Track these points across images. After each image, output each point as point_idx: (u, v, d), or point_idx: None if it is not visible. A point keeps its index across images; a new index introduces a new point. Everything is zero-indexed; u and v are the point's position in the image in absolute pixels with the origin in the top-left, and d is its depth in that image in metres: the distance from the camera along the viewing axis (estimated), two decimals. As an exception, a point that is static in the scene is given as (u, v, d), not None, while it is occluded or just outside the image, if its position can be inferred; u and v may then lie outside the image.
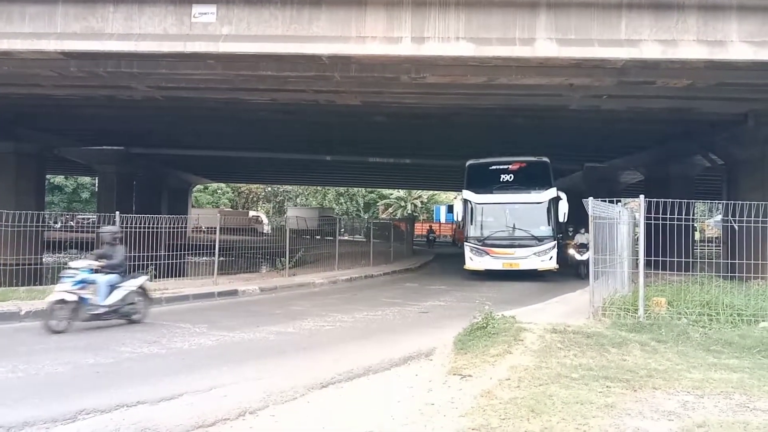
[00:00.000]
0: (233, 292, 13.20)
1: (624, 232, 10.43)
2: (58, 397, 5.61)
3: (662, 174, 22.98)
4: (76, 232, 33.11)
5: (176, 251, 13.54)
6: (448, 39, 12.01)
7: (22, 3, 12.33)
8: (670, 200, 8.66)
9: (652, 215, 8.59)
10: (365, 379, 6.55)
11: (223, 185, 62.79)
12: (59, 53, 12.66)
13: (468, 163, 19.15)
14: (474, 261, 18.02)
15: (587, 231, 17.69)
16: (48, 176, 38.00)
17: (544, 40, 11.90)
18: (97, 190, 41.23)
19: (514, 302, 11.80)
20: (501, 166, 18.56)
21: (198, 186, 53.85)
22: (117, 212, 12.29)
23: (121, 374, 6.57)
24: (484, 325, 7.83)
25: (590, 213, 9.03)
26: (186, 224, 14.32)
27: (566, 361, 6.55)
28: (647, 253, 8.88)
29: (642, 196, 8.94)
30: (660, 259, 9.09)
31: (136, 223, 12.53)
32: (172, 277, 13.64)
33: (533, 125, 20.16)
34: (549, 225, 17.82)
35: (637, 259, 9.08)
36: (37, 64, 13.65)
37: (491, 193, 18.17)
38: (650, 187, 21.02)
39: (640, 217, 8.96)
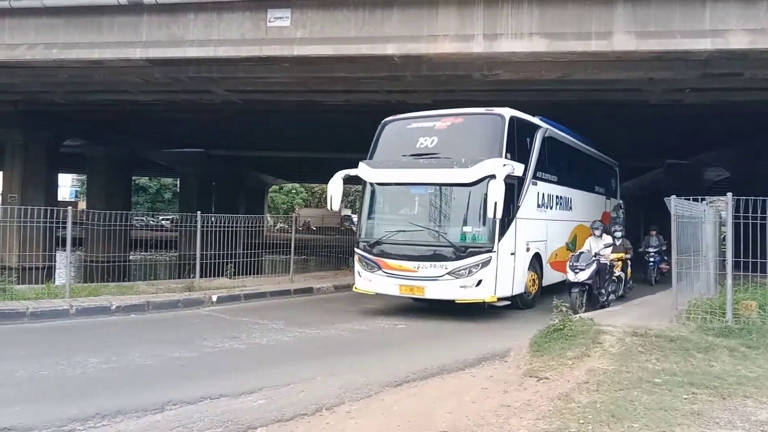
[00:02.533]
0: (308, 290, 13.46)
1: (709, 231, 9.95)
2: (147, 388, 5.89)
3: (751, 170, 21.75)
4: (160, 231, 34.66)
5: (254, 249, 13.92)
6: (521, 35, 11.85)
7: (111, 14, 13.04)
8: (761, 198, 8.20)
9: (741, 214, 8.15)
10: (439, 379, 6.54)
11: (297, 185, 64.16)
12: (144, 61, 13.31)
13: (383, 121, 11.63)
14: (363, 278, 10.99)
15: (659, 232, 15.99)
16: (133, 178, 39.94)
17: (621, 34, 11.53)
18: (179, 190, 43.10)
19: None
20: (423, 124, 11.13)
21: (273, 186, 55.28)
22: (198, 212, 12.77)
23: (204, 367, 6.84)
24: (561, 327, 7.68)
25: (672, 212, 8.67)
26: (263, 223, 14.70)
27: (648, 366, 6.33)
28: (735, 254, 8.45)
29: (729, 194, 8.50)
30: (749, 260, 8.61)
31: (215, 223, 13.00)
32: (250, 274, 14.05)
33: (611, 121, 19.51)
34: (482, 224, 10.15)
35: (724, 260, 8.64)
36: (124, 72, 14.41)
37: (393, 167, 10.87)
38: (737, 185, 19.84)
39: (728, 215, 8.52)
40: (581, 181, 15.02)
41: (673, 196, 8.74)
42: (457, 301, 10.13)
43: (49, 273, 14.29)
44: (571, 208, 14.00)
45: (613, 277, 11.91)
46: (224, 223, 12.97)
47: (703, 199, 9.69)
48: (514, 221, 10.67)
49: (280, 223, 40.40)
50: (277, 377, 6.35)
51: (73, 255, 15.08)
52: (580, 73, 13.31)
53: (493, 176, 9.79)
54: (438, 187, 10.57)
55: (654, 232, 16.55)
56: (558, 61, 12.53)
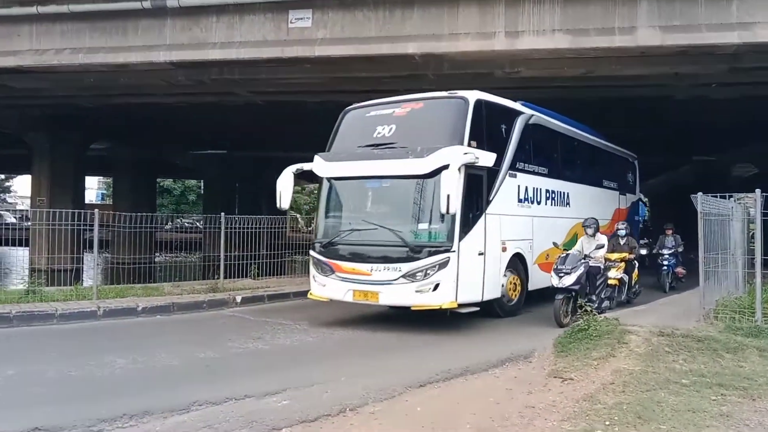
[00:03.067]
0: (331, 290, 13.47)
1: (737, 229, 9.77)
2: (173, 389, 5.97)
3: (781, 166, 21.30)
4: (185, 233, 35.02)
5: (278, 250, 14.00)
6: (543, 32, 11.76)
7: (136, 18, 13.22)
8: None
9: (770, 211, 7.99)
10: (462, 380, 6.51)
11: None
12: (168, 63, 13.47)
13: (345, 110, 10.80)
14: (317, 283, 9.92)
15: (675, 231, 14.30)
16: (158, 180, 40.41)
17: (646, 29, 11.38)
18: (203, 192, 43.50)
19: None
20: (382, 111, 10.14)
21: (296, 187, 55.43)
22: (222, 213, 12.88)
23: (229, 368, 6.90)
24: (586, 327, 7.62)
25: (699, 209, 8.52)
26: (285, 224, 14.74)
27: (675, 366, 6.25)
28: (764, 252, 8.28)
29: (758, 191, 8.34)
30: (780, 258, 8.43)
31: (239, 224, 13.09)
32: (273, 275, 14.13)
33: (635, 118, 19.26)
34: (440, 220, 8.97)
35: (753, 258, 8.48)
36: (148, 75, 14.59)
37: (347, 159, 9.86)
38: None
39: (756, 212, 8.37)
40: (584, 174, 13.72)
41: (700, 194, 8.60)
42: (412, 308, 9.13)
43: (76, 275, 14.55)
44: (568, 203, 12.58)
45: (610, 281, 10.79)
46: (247, 225, 13.06)
47: (730, 196, 9.52)
48: (482, 217, 9.48)
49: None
50: (302, 378, 6.39)
51: (100, 257, 15.32)
52: (603, 69, 13.14)
53: (447, 166, 8.55)
54: (392, 180, 9.47)
55: (670, 231, 14.51)
56: (581, 57, 12.40)
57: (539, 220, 11.28)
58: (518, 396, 5.75)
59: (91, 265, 14.36)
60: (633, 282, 11.80)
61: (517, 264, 10.56)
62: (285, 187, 10.35)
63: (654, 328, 7.55)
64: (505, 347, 7.91)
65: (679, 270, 14.34)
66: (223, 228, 12.63)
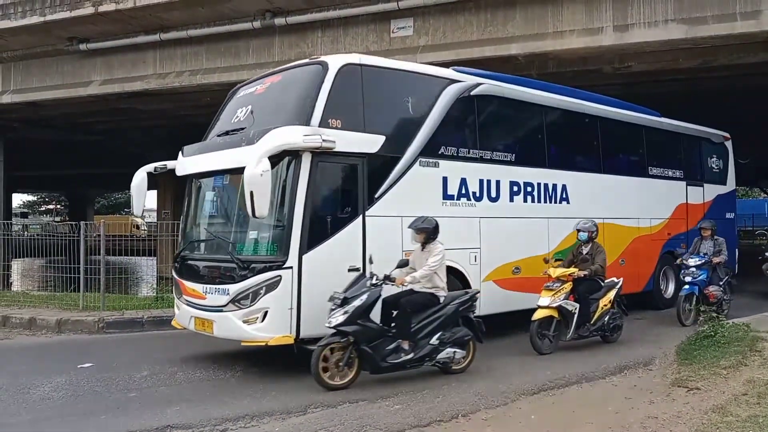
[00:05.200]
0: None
1: None
2: (291, 392, 6.19)
3: None
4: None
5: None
6: (655, 23, 11.19)
7: (247, 38, 13.94)
8: None
9: None
10: (578, 388, 6.31)
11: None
12: (277, 80, 14.04)
13: (231, 90, 9.05)
14: (176, 305, 8.15)
15: (716, 233, 10.15)
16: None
17: (772, 11, 10.52)
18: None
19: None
20: (248, 89, 8.44)
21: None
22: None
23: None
24: (712, 333, 7.15)
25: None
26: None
27: (818, 377, 5.72)
28: None
29: None
30: None
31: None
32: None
33: (760, 109, 17.82)
34: (272, 225, 6.98)
35: None
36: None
37: (198, 152, 8.08)
38: None
39: None
40: (598, 160, 10.55)
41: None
42: (242, 343, 6.92)
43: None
44: (564, 199, 9.73)
45: (539, 314, 7.73)
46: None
47: None
48: (358, 221, 7.19)
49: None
50: (414, 383, 6.44)
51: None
52: (723, 59, 12.31)
53: (284, 153, 6.68)
54: (229, 177, 7.48)
55: (708, 233, 10.15)
56: (697, 47, 11.68)
57: (495, 223, 8.70)
58: (639, 405, 5.49)
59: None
60: (602, 312, 8.16)
61: (452, 282, 7.81)
62: (138, 188, 8.59)
63: (791, 335, 6.97)
64: (623, 354, 7.58)
65: (712, 291, 9.66)
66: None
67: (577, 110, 10.28)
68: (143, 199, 8.69)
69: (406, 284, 6.63)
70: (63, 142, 25.11)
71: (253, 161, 6.29)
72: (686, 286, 9.72)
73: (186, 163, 8.21)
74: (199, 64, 14.54)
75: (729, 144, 13.82)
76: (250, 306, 6.69)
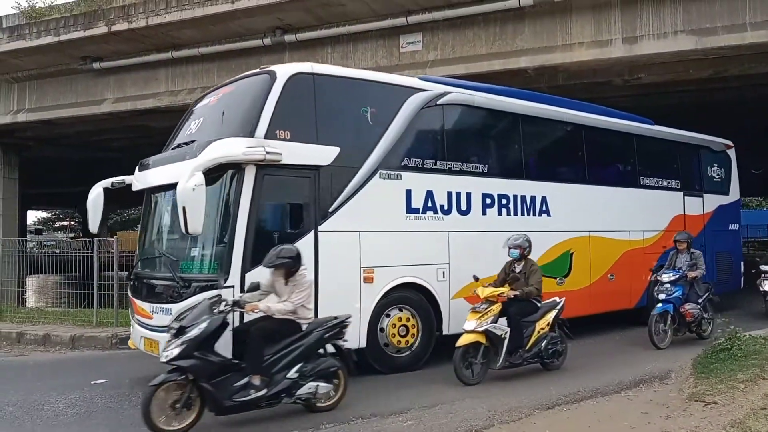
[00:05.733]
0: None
1: None
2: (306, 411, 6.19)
3: None
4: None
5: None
6: (664, 35, 11.19)
7: (258, 55, 13.99)
8: None
9: None
10: (593, 402, 6.23)
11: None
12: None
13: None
14: (131, 325, 7.92)
15: (692, 245, 9.40)
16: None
17: (782, 21, 10.49)
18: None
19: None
20: (204, 101, 8.27)
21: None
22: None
23: (355, 389, 7.01)
24: (729, 346, 7.06)
25: None
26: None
27: (839, 391, 5.62)
28: None
29: None
30: None
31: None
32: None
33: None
34: (211, 243, 6.78)
35: None
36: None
37: (150, 166, 7.80)
38: None
39: None
40: (580, 170, 10.17)
41: None
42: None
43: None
44: (545, 211, 9.30)
45: (463, 340, 6.90)
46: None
47: None
48: (309, 236, 6.91)
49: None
50: (425, 398, 6.40)
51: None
52: (734, 69, 12.27)
53: (227, 166, 6.51)
54: (173, 191, 6.54)
55: (683, 246, 9.33)
56: (708, 58, 11.65)
57: (466, 237, 8.30)
58: (655, 420, 5.42)
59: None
60: (538, 337, 7.32)
61: (415, 299, 7.81)
62: (93, 204, 8.20)
63: (810, 348, 6.86)
64: (637, 367, 7.50)
65: (689, 309, 8.87)
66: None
67: (558, 119, 9.89)
68: (100, 215, 8.20)
69: (258, 311, 5.83)
70: (77, 159, 25.39)
71: (185, 175, 6.08)
72: (659, 305, 8.78)
73: (139, 178, 7.95)
74: (210, 81, 14.65)
75: (732, 152, 13.32)
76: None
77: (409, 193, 7.84)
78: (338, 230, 7.17)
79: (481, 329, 6.84)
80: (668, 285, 8.80)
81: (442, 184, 8.17)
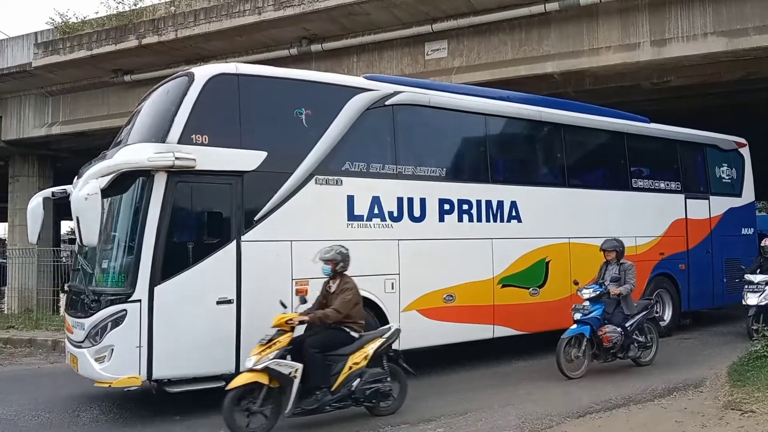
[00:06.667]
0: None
1: None
2: (334, 417, 6.20)
3: None
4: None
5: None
6: (694, 37, 11.01)
7: (284, 64, 14.16)
8: None
9: None
10: (625, 411, 6.14)
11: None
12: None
13: None
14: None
15: (622, 255, 8.09)
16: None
17: (817, 20, 10.26)
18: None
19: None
20: (141, 103, 7.85)
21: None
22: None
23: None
24: (765, 353, 6.90)
25: None
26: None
27: None
28: None
29: None
30: None
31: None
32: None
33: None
34: (120, 254, 6.54)
35: None
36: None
37: (80, 174, 7.15)
38: None
39: None
40: (563, 172, 9.61)
41: None
42: (96, 385, 6.31)
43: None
44: (515, 217, 8.68)
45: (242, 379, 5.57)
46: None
47: None
48: (230, 247, 6.50)
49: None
50: (454, 405, 6.39)
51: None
52: (767, 70, 12.02)
53: (137, 173, 6.23)
54: None
55: (612, 255, 8.02)
56: (739, 59, 11.42)
57: (419, 245, 7.79)
58: (690, 429, 5.34)
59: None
60: (348, 375, 5.90)
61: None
62: (33, 214, 7.55)
63: None
64: (671, 375, 7.37)
65: (607, 333, 7.53)
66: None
67: (530, 118, 9.24)
68: (39, 225, 7.53)
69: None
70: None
71: (80, 184, 5.90)
72: (573, 326, 7.50)
73: (73, 185, 7.14)
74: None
75: (745, 151, 12.40)
76: (99, 343, 6.08)
77: (351, 199, 7.35)
78: (266, 240, 6.71)
79: (259, 367, 5.46)
80: (587, 303, 7.56)
81: (390, 190, 7.66)
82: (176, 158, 6.15)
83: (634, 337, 7.80)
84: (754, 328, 8.63)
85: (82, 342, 6.27)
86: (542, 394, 6.85)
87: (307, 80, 7.51)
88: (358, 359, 5.93)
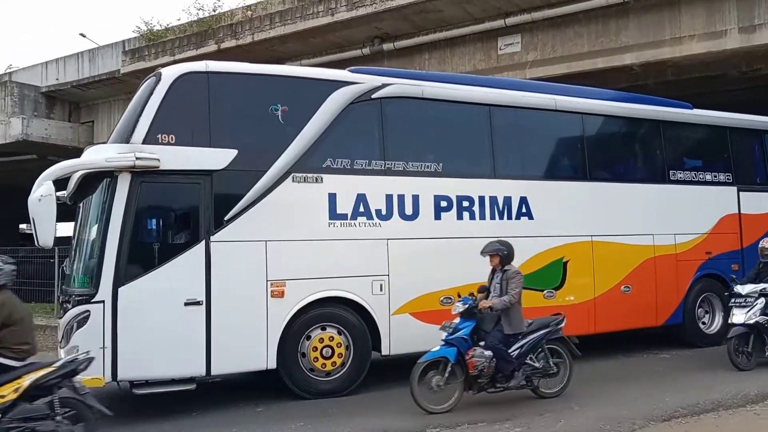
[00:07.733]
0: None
1: None
2: (408, 412, 6.25)
3: None
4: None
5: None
6: (786, 22, 10.42)
7: (357, 63, 14.31)
8: None
9: None
10: (714, 416, 5.89)
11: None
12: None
13: None
14: None
15: (508, 260, 6.39)
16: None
17: None
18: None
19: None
20: None
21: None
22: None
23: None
24: None
25: None
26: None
27: None
28: None
29: None
30: None
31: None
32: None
33: None
34: (88, 255, 6.57)
35: None
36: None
37: None
38: None
39: None
40: (584, 165, 8.81)
41: None
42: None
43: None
44: (526, 214, 8.05)
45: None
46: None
47: None
48: (198, 247, 6.34)
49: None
50: (531, 406, 6.30)
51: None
52: None
53: (103, 174, 6.26)
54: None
55: (496, 260, 6.40)
56: (838, 43, 10.74)
57: (411, 245, 7.35)
58: (786, 437, 5.06)
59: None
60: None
61: (344, 316, 6.92)
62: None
63: None
64: (764, 380, 7.01)
65: (474, 358, 6.03)
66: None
67: (544, 107, 8.44)
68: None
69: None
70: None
71: (35, 185, 5.87)
72: (435, 348, 6.13)
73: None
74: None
75: None
76: (68, 343, 6.06)
77: (333, 197, 6.99)
78: (237, 240, 6.51)
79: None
80: (459, 319, 6.20)
81: (378, 187, 7.23)
82: (137, 158, 6.10)
83: (528, 362, 6.36)
84: (741, 353, 7.54)
85: (60, 342, 6.44)
86: (620, 395, 6.63)
87: (283, 75, 7.38)
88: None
